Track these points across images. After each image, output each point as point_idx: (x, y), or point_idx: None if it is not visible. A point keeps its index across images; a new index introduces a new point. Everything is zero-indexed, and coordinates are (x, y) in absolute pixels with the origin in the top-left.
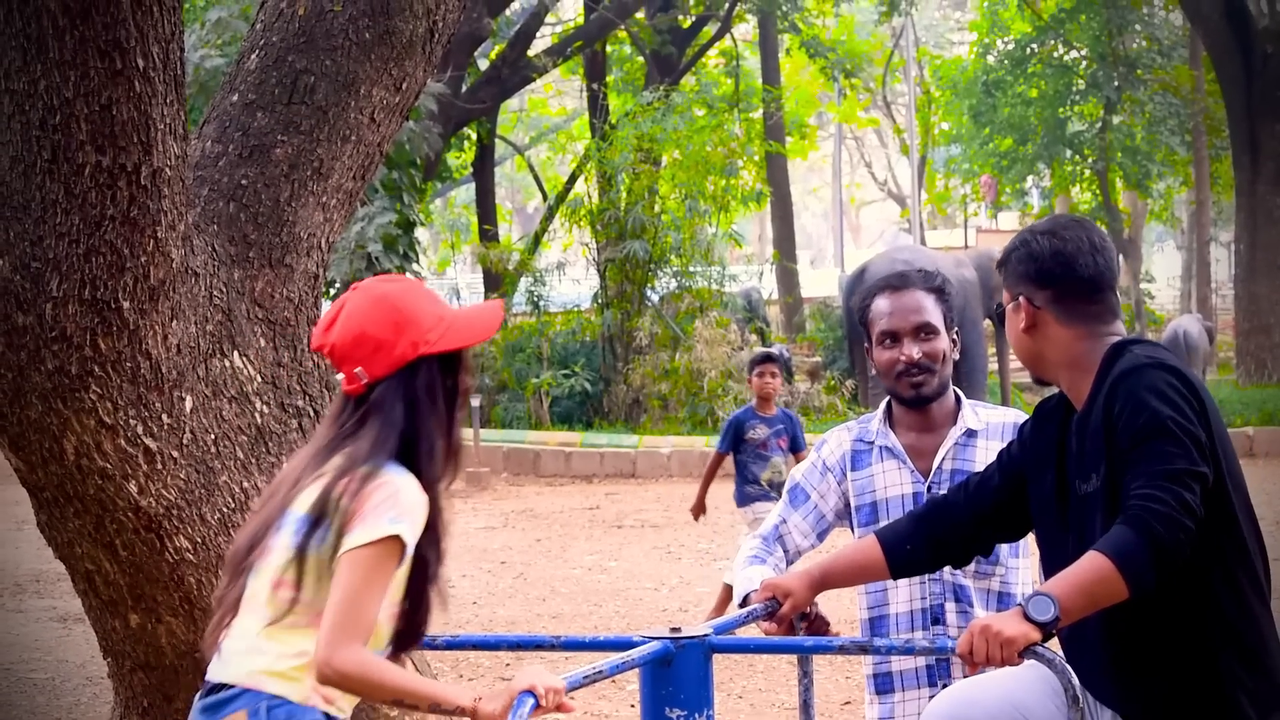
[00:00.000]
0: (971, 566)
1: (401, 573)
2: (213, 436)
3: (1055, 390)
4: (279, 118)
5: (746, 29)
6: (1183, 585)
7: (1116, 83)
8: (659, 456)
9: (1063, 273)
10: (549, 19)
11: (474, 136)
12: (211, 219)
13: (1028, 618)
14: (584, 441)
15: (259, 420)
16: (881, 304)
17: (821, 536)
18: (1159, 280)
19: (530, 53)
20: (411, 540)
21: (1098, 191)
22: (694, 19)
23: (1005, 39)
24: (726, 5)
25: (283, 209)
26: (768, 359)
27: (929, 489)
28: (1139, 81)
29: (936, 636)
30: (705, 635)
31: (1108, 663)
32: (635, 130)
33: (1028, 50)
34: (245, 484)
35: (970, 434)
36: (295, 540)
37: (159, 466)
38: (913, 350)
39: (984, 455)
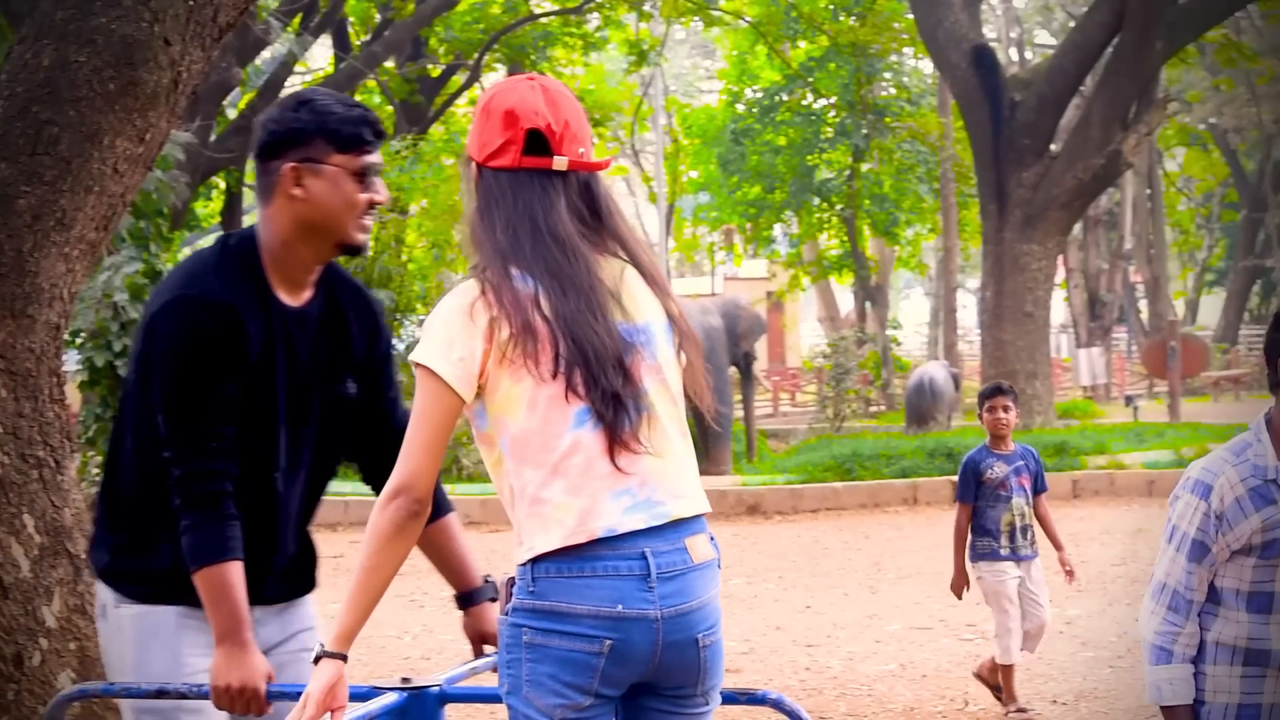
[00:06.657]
0: None
1: None
2: None
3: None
4: (22, 169)
5: (496, 78)
6: None
7: (865, 130)
8: None
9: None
10: (298, 68)
11: (223, 185)
12: None
13: None
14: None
15: (0, 471)
16: None
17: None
18: (906, 327)
19: None
20: None
21: (845, 239)
22: (444, 68)
23: (754, 88)
24: (476, 54)
25: (25, 259)
26: (998, 391)
27: None
28: (887, 129)
29: None
30: (438, 685)
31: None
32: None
33: (776, 99)
34: None
35: None
36: (674, 353)
37: None
38: None
39: None
